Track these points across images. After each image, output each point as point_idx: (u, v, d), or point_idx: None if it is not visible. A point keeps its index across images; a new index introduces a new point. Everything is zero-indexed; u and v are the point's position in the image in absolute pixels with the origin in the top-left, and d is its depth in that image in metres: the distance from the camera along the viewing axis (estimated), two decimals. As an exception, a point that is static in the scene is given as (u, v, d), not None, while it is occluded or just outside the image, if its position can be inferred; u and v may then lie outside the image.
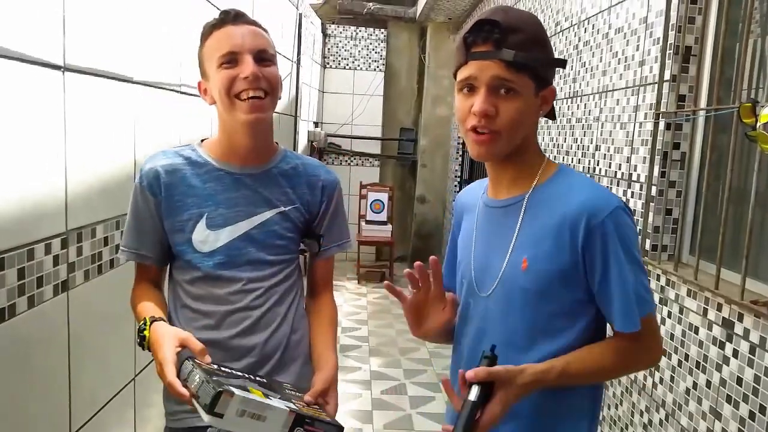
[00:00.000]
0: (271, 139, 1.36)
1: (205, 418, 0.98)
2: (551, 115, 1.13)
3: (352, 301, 5.52)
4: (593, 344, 1.04)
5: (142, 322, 1.18)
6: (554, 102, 1.10)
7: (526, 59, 0.99)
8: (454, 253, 1.30)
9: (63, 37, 1.42)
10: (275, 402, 1.04)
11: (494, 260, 1.09)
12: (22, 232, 1.31)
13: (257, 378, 1.17)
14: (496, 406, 0.94)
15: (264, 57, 1.25)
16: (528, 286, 1.03)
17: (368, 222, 6.27)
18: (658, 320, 1.99)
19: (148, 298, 1.27)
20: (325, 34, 6.74)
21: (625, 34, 2.33)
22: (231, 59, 1.22)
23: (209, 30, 1.27)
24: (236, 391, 0.99)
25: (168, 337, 1.11)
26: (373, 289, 5.94)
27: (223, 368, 1.13)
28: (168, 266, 1.36)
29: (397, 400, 3.55)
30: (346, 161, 6.95)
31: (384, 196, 6.35)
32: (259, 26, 1.30)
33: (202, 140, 1.37)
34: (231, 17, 1.25)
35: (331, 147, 6.77)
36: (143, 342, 1.16)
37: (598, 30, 2.58)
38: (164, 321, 1.19)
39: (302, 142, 5.49)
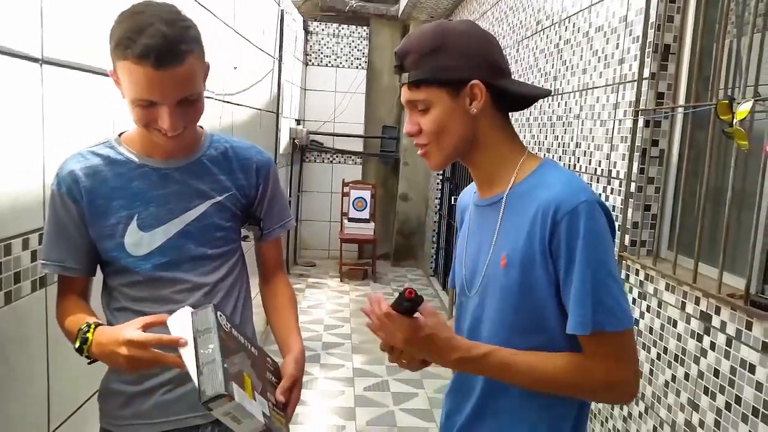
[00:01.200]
0: (194, 130, 1.26)
1: (191, 364, 0.98)
2: (516, 105, 1.10)
3: (335, 298, 5.51)
4: (554, 352, 1.00)
5: (84, 324, 1.12)
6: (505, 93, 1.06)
7: (418, 75, 1.04)
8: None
9: (41, 29, 1.39)
10: (255, 410, 1.03)
11: (480, 259, 1.09)
12: (-2, 226, 1.28)
13: (252, 349, 1.14)
14: (420, 322, 0.98)
15: (188, 100, 1.12)
16: (506, 283, 1.02)
17: (351, 220, 6.26)
18: (637, 314, 2.02)
19: (79, 310, 1.20)
20: (307, 31, 6.71)
21: (605, 32, 2.36)
22: (148, 104, 1.10)
23: (122, 51, 1.06)
24: (236, 396, 0.97)
25: (124, 326, 1.08)
26: (355, 287, 5.93)
27: (233, 331, 1.11)
28: (93, 277, 1.27)
29: (380, 397, 3.55)
30: (329, 159, 6.93)
31: (367, 194, 6.35)
32: (188, 55, 1.08)
33: (121, 133, 1.26)
34: (152, 61, 1.03)
35: (313, 145, 6.75)
36: (84, 345, 1.10)
37: (579, 28, 2.61)
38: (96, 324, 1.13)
39: (284, 139, 5.46)
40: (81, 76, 1.60)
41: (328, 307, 5.20)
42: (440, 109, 1.04)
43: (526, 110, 3.29)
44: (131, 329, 1.07)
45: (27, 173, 1.38)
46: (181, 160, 1.24)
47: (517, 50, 3.48)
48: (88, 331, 1.11)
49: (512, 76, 1.11)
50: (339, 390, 3.61)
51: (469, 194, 1.24)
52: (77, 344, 1.11)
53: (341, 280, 6.11)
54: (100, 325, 1.13)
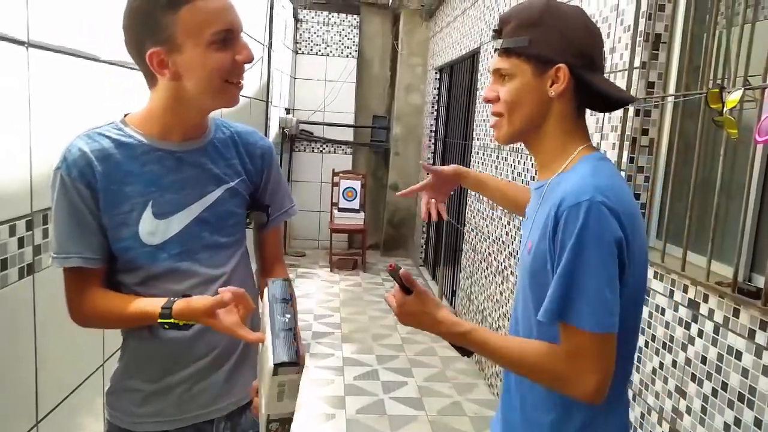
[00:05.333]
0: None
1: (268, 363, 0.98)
2: (597, 104, 1.11)
3: (325, 288, 5.50)
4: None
5: (165, 326, 1.07)
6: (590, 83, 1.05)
7: (510, 44, 1.06)
8: None
9: (27, 11, 1.37)
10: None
11: (522, 241, 1.15)
12: (-16, 212, 1.26)
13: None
14: (403, 299, 1.07)
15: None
16: (527, 268, 1.07)
17: (341, 210, 6.25)
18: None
19: (116, 298, 1.14)
20: (296, 20, 6.66)
21: (596, 21, 2.36)
22: (226, 38, 1.09)
23: None
24: (302, 372, 0.99)
25: (199, 312, 1.05)
26: (345, 277, 5.93)
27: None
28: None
29: (370, 386, 3.56)
30: (319, 148, 6.90)
31: (356, 184, 6.34)
32: None
33: (126, 115, 1.19)
34: None
35: (303, 134, 6.72)
36: (187, 324, 1.08)
37: (570, 17, 2.60)
38: (174, 299, 1.08)
39: (274, 128, 5.43)
40: (69, 60, 1.58)
41: (318, 297, 5.20)
42: (521, 82, 1.06)
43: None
44: (207, 318, 1.05)
45: (13, 159, 1.36)
46: (195, 142, 1.19)
47: (508, 39, 3.47)
48: (176, 323, 1.07)
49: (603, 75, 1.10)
50: (329, 379, 3.62)
51: None
52: (179, 328, 1.09)
53: (331, 270, 6.11)
54: (173, 303, 1.08)
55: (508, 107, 1.08)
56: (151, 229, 1.14)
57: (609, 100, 1.10)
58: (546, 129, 1.09)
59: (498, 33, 1.10)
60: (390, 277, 1.13)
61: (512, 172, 3.29)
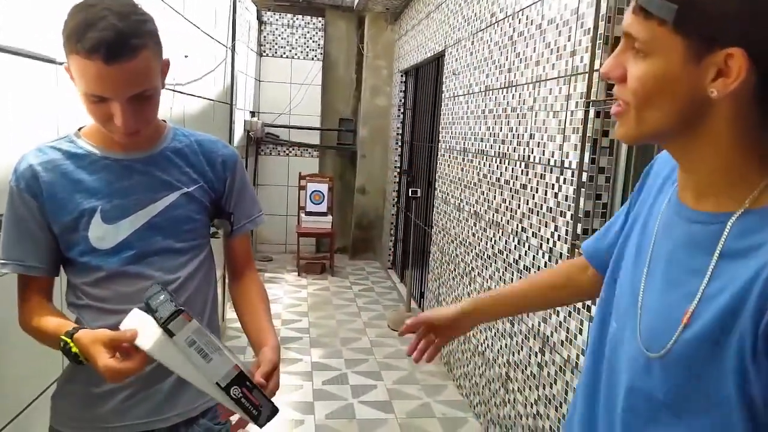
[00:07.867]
0: (154, 122, 1.23)
1: (155, 335, 0.98)
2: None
3: (293, 293, 5.46)
4: None
5: (62, 342, 1.08)
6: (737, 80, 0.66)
7: (654, 4, 0.67)
8: (621, 225, 0.97)
9: (-24, 11, 1.32)
10: (226, 352, 1.04)
11: (674, 307, 0.73)
12: (-67, 220, 1.22)
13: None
14: None
15: (142, 96, 1.10)
16: (682, 345, 0.71)
17: (308, 213, 6.22)
18: (590, 302, 2.07)
19: (47, 312, 1.16)
20: (260, 22, 6.60)
21: (557, 24, 2.40)
22: (99, 99, 1.07)
23: (73, 45, 1.03)
24: (194, 319, 1.00)
25: (95, 349, 1.04)
26: (313, 281, 5.90)
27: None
28: (56, 278, 1.23)
29: (339, 390, 3.55)
30: (285, 152, 6.85)
31: (324, 187, 6.31)
32: (141, 49, 1.06)
33: (80, 128, 1.23)
34: (102, 55, 1.01)
35: (268, 137, 6.66)
36: (78, 358, 1.06)
37: (532, 21, 2.65)
38: (81, 328, 1.10)
39: (238, 131, 5.37)
40: (25, 62, 1.53)
41: (285, 302, 5.15)
42: (663, 65, 0.68)
43: (481, 102, 3.34)
44: (103, 357, 1.02)
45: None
46: (144, 152, 1.22)
47: (472, 42, 3.51)
48: (70, 347, 1.07)
49: None
50: (297, 384, 3.59)
51: (671, 171, 0.86)
52: (71, 359, 1.08)
53: (299, 275, 6.07)
54: (75, 331, 1.08)
55: (638, 100, 0.71)
56: (101, 234, 1.17)
57: None
58: (703, 138, 0.71)
59: None
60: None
61: (477, 174, 3.32)
